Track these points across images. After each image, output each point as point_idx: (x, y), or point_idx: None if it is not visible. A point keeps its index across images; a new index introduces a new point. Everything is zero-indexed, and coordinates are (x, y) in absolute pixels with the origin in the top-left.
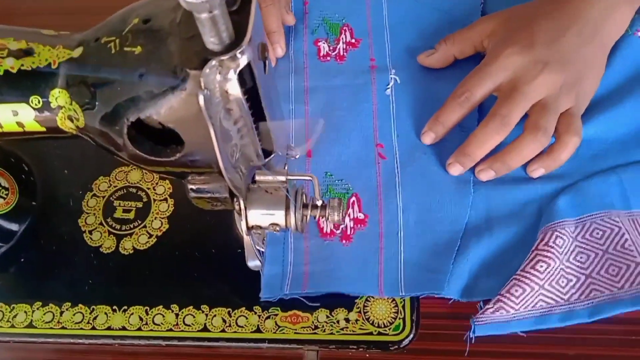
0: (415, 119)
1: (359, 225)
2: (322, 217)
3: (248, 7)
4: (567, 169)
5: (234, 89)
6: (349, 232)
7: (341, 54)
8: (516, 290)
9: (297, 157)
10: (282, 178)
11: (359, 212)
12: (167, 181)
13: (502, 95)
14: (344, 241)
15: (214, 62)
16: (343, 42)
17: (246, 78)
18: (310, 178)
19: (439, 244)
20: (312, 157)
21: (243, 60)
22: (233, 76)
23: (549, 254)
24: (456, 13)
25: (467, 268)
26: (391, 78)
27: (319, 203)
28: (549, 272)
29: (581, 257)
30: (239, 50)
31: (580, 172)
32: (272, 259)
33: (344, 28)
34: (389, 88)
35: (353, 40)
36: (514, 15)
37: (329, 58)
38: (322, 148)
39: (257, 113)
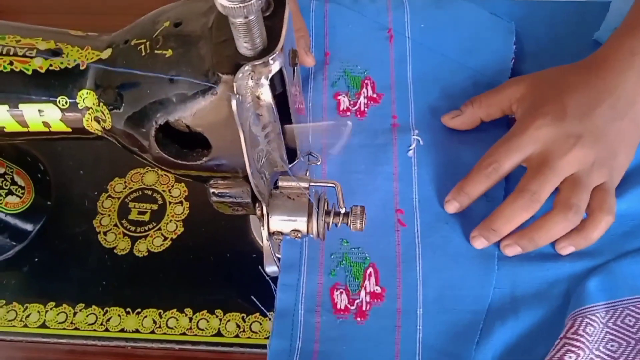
0: (439, 184)
1: (375, 300)
2: (345, 224)
3: (281, 13)
4: (597, 247)
5: (266, 94)
6: (364, 308)
7: (362, 109)
8: None
9: (318, 163)
10: (305, 184)
11: (376, 284)
12: (183, 184)
13: (532, 168)
14: (358, 318)
15: (247, 67)
16: (364, 97)
17: (276, 83)
18: (334, 185)
19: (460, 325)
20: None
21: (275, 66)
22: (265, 82)
23: (578, 344)
24: (486, 72)
25: (490, 355)
26: (414, 139)
27: (342, 210)
28: None
29: (612, 346)
30: (271, 56)
31: (611, 250)
32: (279, 333)
33: (366, 81)
34: (411, 149)
35: (375, 95)
36: (544, 81)
37: (348, 113)
38: None
39: (284, 119)
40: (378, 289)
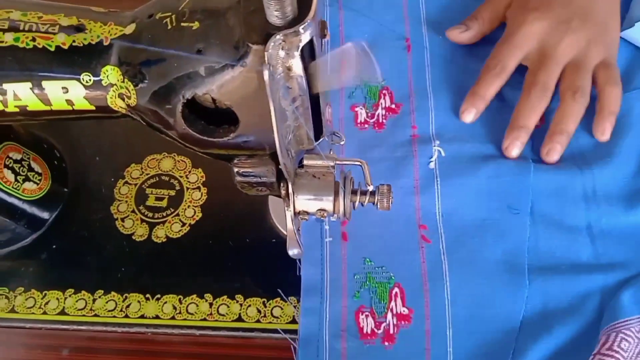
0: (462, 196)
1: (402, 322)
2: (372, 203)
3: None
4: (629, 257)
5: (297, 65)
6: (391, 331)
7: (380, 120)
8: None
9: (342, 143)
10: (331, 162)
11: (403, 306)
12: (200, 169)
13: (533, 63)
14: (386, 343)
15: (278, 37)
16: (382, 108)
17: (306, 54)
18: (360, 163)
19: (492, 345)
20: (348, 240)
21: (306, 36)
22: (296, 52)
23: None
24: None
25: None
26: (435, 150)
27: (369, 189)
28: None
29: None
30: (302, 25)
31: None
32: None
33: (384, 91)
34: (432, 161)
35: (393, 106)
36: None
37: (366, 126)
38: (359, 230)
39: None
40: (405, 310)
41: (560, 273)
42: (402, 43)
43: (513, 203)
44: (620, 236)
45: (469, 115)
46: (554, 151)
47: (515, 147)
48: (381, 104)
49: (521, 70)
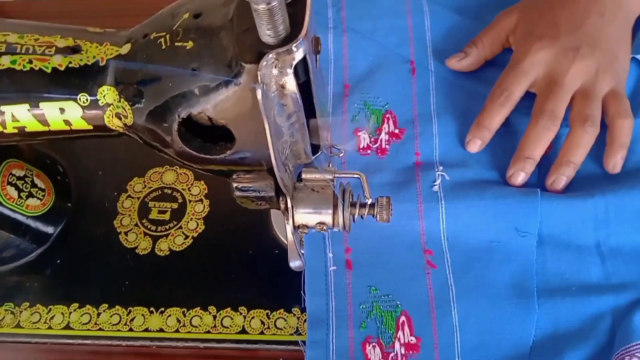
0: (467, 219)
1: (411, 352)
2: (372, 215)
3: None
4: None
5: (291, 83)
6: None
7: (383, 146)
8: None
9: (341, 155)
10: (330, 176)
11: (411, 334)
12: (202, 182)
13: (541, 91)
14: None
15: (271, 55)
16: (385, 133)
17: (300, 72)
18: (359, 176)
19: None
20: (352, 268)
21: (299, 54)
22: (290, 70)
23: None
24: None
25: None
26: (438, 175)
27: (368, 201)
28: None
29: None
30: (295, 44)
31: None
32: None
33: (387, 115)
34: (436, 185)
35: (396, 131)
36: (533, 5)
37: (369, 151)
38: (364, 258)
39: (307, 109)
40: (413, 339)
41: (570, 295)
42: (406, 66)
43: (521, 225)
44: (632, 255)
45: (474, 146)
46: (559, 182)
47: (519, 177)
48: (384, 128)
49: (528, 95)
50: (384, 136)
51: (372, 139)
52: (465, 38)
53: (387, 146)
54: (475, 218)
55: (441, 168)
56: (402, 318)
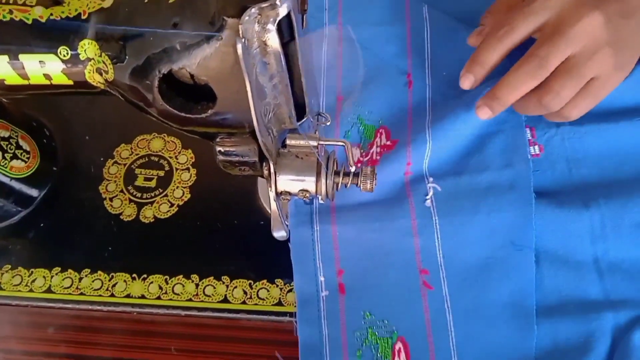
0: (463, 235)
1: None
2: (355, 184)
3: None
4: None
5: (273, 40)
6: None
7: (374, 157)
8: None
9: (327, 123)
10: (314, 143)
11: None
12: (190, 150)
13: (543, 36)
14: None
15: (253, 10)
16: (377, 146)
17: (284, 30)
18: (343, 144)
19: None
20: (345, 293)
21: (283, 10)
22: (272, 26)
23: None
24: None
25: None
26: (429, 187)
27: (352, 170)
28: None
29: None
30: None
31: None
32: None
33: (380, 130)
34: (428, 198)
35: (389, 142)
36: None
37: (359, 165)
38: (357, 281)
39: (291, 72)
40: None
41: (568, 313)
42: (402, 79)
43: (516, 239)
44: (631, 270)
45: (466, 82)
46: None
47: (485, 113)
48: (376, 142)
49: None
50: (375, 149)
51: (364, 153)
52: (466, 47)
53: (378, 157)
54: (471, 234)
55: (431, 179)
56: (399, 345)
